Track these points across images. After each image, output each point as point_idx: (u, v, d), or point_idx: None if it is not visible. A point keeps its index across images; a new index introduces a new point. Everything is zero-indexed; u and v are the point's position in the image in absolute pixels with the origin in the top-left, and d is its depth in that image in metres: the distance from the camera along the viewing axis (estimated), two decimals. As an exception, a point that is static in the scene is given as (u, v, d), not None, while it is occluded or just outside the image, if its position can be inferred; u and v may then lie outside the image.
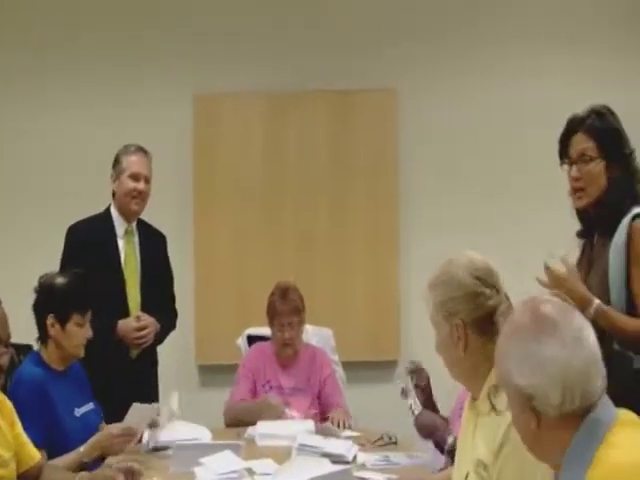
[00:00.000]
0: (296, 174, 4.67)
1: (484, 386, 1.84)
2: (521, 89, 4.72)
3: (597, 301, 2.24)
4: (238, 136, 4.68)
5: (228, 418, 3.38)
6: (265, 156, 4.69)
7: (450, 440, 2.40)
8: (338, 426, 3.17)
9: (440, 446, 2.47)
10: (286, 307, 3.42)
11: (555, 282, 2.26)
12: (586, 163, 2.36)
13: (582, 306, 2.24)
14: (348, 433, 3.08)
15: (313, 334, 3.73)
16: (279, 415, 3.21)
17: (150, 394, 3.24)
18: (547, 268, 2.28)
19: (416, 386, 2.63)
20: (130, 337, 3.27)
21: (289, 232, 4.65)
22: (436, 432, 2.50)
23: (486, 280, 1.88)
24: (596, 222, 2.43)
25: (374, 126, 4.69)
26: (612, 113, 2.43)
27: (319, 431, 3.02)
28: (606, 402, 1.43)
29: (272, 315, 3.45)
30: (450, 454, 2.40)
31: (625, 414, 1.44)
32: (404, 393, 2.61)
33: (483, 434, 1.83)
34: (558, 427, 1.41)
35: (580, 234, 2.52)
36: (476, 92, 4.73)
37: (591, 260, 2.42)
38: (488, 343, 1.66)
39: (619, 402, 1.46)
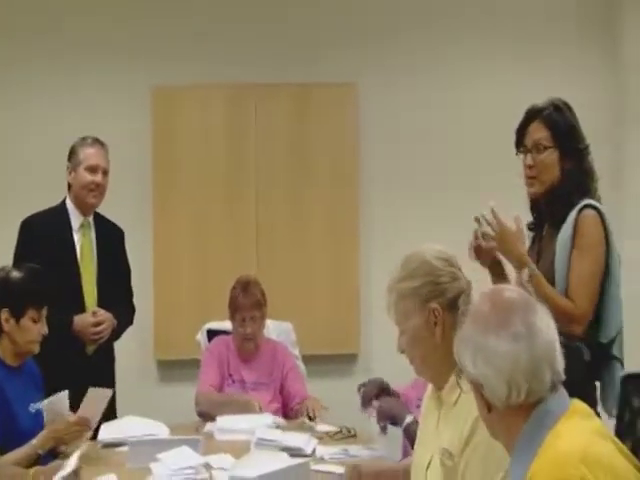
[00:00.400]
0: (257, 167, 4.65)
1: (451, 376, 1.85)
2: (482, 87, 4.76)
3: (534, 265, 2.29)
4: (198, 129, 4.64)
5: (202, 406, 3.32)
6: (226, 149, 4.66)
7: (408, 419, 2.41)
8: (312, 418, 3.13)
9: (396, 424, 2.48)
10: (247, 301, 3.40)
11: (501, 232, 2.30)
12: (540, 152, 2.40)
13: (519, 266, 2.28)
14: (326, 428, 3.05)
15: (273, 328, 3.72)
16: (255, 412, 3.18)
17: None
18: (495, 213, 2.31)
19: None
20: (86, 333, 3.23)
21: (249, 226, 4.63)
22: (397, 417, 2.51)
23: (451, 261, 1.92)
24: (546, 213, 2.46)
25: (335, 120, 4.69)
26: (569, 108, 2.48)
27: (294, 426, 3.01)
28: (560, 393, 1.44)
29: (233, 309, 3.43)
30: (407, 433, 2.42)
31: (576, 404, 1.46)
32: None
33: (449, 425, 1.85)
34: (508, 415, 1.43)
35: (530, 227, 2.56)
36: (437, 88, 4.76)
37: (539, 251, 2.45)
38: (458, 327, 1.68)
39: (572, 394, 1.48)
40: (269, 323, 3.65)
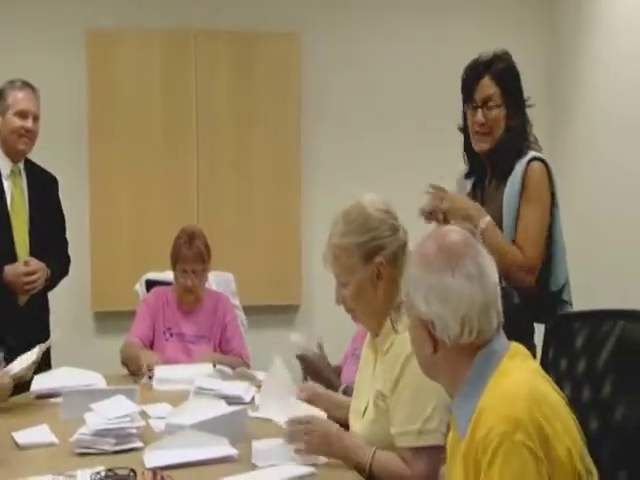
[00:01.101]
0: (197, 116, 4.55)
1: (386, 322, 1.88)
2: (428, 38, 4.75)
3: (489, 217, 2.31)
4: (136, 74, 4.50)
5: (122, 356, 3.30)
6: (164, 97, 4.54)
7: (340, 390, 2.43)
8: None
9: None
10: (191, 253, 3.33)
11: (449, 199, 2.31)
12: (491, 110, 2.41)
13: (477, 216, 2.29)
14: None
15: (213, 279, 3.68)
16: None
17: (41, 342, 3.12)
18: (435, 187, 2.33)
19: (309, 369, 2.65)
20: (18, 282, 3.13)
21: (190, 175, 4.55)
22: (321, 375, 2.53)
23: (393, 213, 1.92)
24: (491, 166, 2.47)
25: (278, 70, 4.61)
26: (511, 59, 2.47)
27: (235, 375, 3.00)
28: (501, 335, 1.48)
29: (175, 259, 3.37)
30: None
31: (515, 346, 1.49)
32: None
33: (383, 369, 1.88)
34: (453, 355, 1.45)
35: (467, 175, 2.56)
36: (381, 38, 4.72)
37: (482, 203, 2.46)
38: (398, 279, 1.69)
39: (509, 337, 1.50)
40: (210, 274, 3.60)
